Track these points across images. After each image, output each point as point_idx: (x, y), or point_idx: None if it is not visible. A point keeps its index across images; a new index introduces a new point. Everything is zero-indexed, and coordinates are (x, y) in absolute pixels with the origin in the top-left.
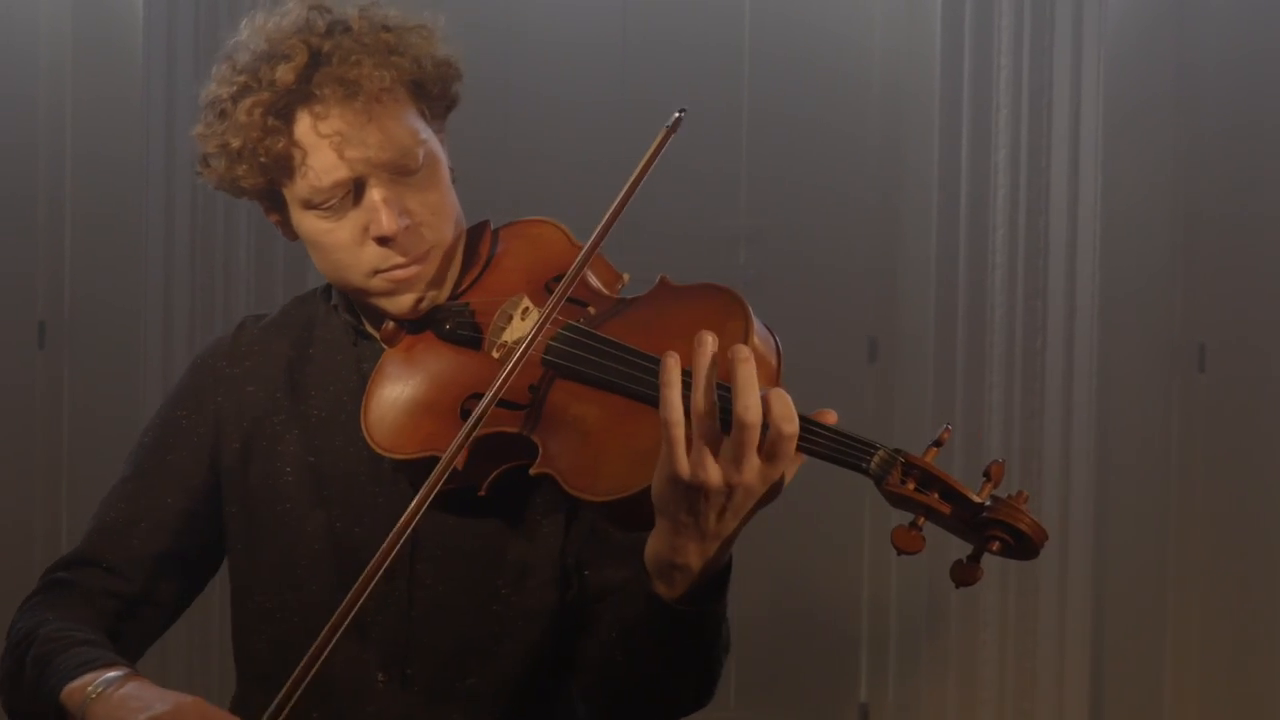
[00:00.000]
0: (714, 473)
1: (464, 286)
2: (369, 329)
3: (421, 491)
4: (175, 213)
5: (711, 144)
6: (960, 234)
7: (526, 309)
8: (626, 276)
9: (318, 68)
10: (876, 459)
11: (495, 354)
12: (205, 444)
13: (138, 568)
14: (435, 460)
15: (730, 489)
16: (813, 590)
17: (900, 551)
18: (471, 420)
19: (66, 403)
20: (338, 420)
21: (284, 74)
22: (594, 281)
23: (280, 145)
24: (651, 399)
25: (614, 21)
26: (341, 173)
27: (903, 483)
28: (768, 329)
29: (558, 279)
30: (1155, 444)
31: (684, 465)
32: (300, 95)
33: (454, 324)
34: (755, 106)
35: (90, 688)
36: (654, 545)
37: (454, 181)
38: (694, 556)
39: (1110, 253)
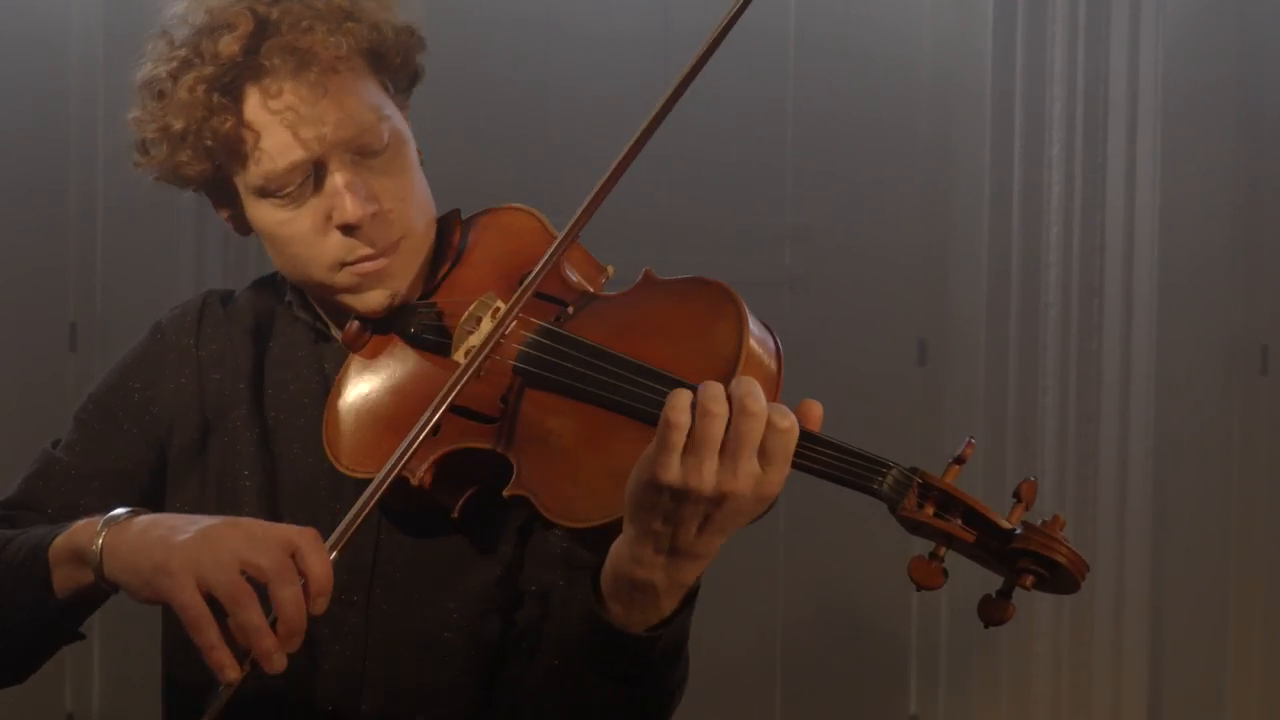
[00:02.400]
0: (709, 477)
1: (434, 284)
2: (331, 331)
3: (359, 503)
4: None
5: (756, 139)
6: (1013, 231)
7: (498, 309)
8: (611, 269)
9: (265, 37)
10: (889, 479)
11: (462, 360)
12: (158, 423)
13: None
14: (401, 480)
15: (721, 498)
16: (861, 599)
17: (919, 587)
18: (415, 431)
19: None
20: (296, 424)
21: (227, 45)
22: (573, 276)
23: (228, 126)
24: (634, 410)
25: (656, 14)
26: (298, 154)
27: (920, 506)
28: (765, 327)
29: (530, 274)
30: (1216, 449)
31: (675, 469)
32: (247, 69)
33: (419, 327)
34: (800, 100)
35: (99, 524)
36: (616, 559)
37: (421, 165)
38: (660, 574)
39: (1169, 250)
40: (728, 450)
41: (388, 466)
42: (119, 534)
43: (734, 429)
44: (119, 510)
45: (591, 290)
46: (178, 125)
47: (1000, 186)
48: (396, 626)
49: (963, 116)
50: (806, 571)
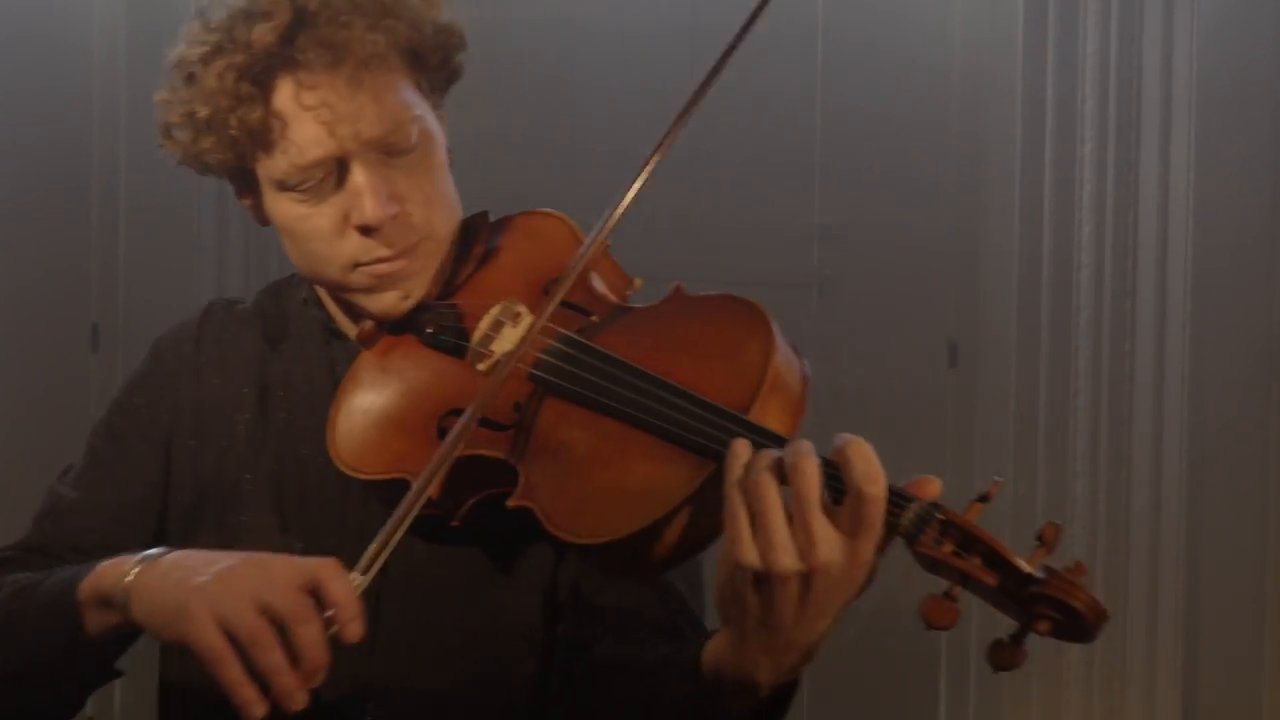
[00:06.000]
0: (788, 553)
1: (455, 285)
2: (342, 328)
3: (390, 523)
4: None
5: (784, 137)
6: (1044, 232)
7: (519, 314)
8: (639, 282)
9: (302, 28)
10: (909, 515)
11: (480, 365)
12: (163, 434)
13: (92, 559)
14: (404, 483)
15: (809, 573)
16: (889, 608)
17: (930, 625)
18: (446, 443)
19: None
20: (306, 425)
21: (262, 34)
22: (599, 286)
23: (255, 116)
24: (653, 427)
25: (681, 10)
26: (324, 149)
27: (938, 544)
28: (793, 349)
29: (558, 281)
30: (1253, 452)
31: (751, 550)
32: (280, 59)
33: (436, 328)
34: (829, 98)
35: (128, 565)
36: (717, 661)
37: (450, 166)
38: (765, 672)
39: (1203, 250)
40: (793, 516)
41: (420, 481)
42: (146, 576)
43: (792, 491)
44: (151, 551)
45: (617, 302)
46: (203, 112)
47: (1032, 185)
48: (405, 638)
49: (994, 114)
50: None
